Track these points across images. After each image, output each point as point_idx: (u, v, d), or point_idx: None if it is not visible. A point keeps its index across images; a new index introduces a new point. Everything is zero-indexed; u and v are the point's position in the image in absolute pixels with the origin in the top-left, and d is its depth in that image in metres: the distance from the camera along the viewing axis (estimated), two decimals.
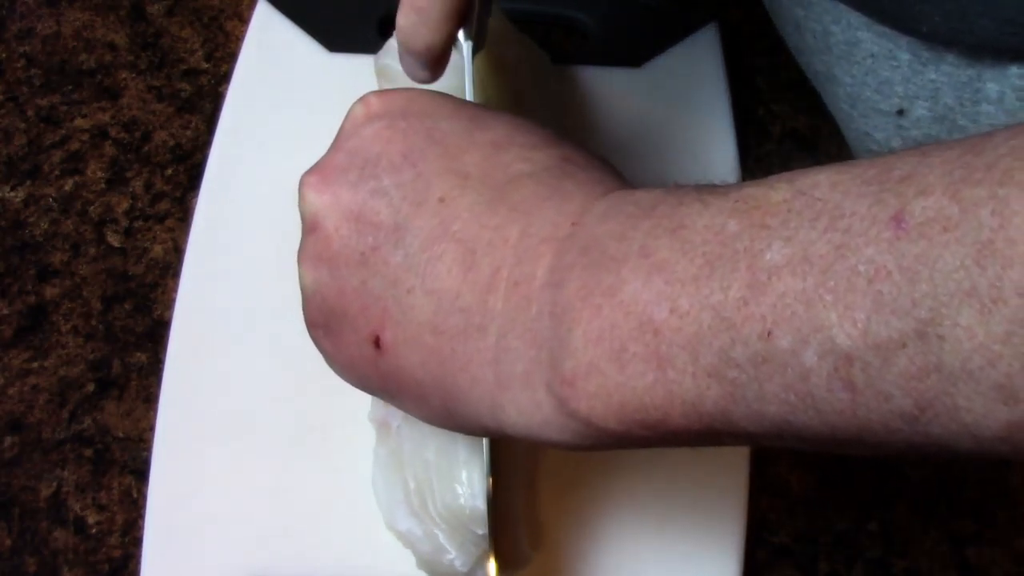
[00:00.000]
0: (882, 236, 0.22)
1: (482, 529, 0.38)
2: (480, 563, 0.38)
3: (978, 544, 0.45)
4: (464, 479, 0.38)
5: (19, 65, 0.56)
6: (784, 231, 0.24)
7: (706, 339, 0.24)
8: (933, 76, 0.39)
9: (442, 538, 0.39)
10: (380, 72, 0.48)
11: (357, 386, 0.34)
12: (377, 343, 0.31)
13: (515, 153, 0.31)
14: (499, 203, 0.30)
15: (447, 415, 0.31)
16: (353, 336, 0.32)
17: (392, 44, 0.47)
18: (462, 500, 0.38)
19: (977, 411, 0.21)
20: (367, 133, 0.32)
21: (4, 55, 0.56)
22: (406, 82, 0.37)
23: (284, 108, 0.52)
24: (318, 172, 0.33)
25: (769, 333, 0.23)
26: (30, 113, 0.54)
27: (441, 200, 0.30)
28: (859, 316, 0.22)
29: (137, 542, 0.44)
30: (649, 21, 0.55)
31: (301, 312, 0.47)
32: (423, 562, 0.40)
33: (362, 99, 0.33)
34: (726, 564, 0.43)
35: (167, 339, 0.47)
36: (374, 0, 0.55)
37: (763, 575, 0.45)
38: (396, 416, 0.41)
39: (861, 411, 0.22)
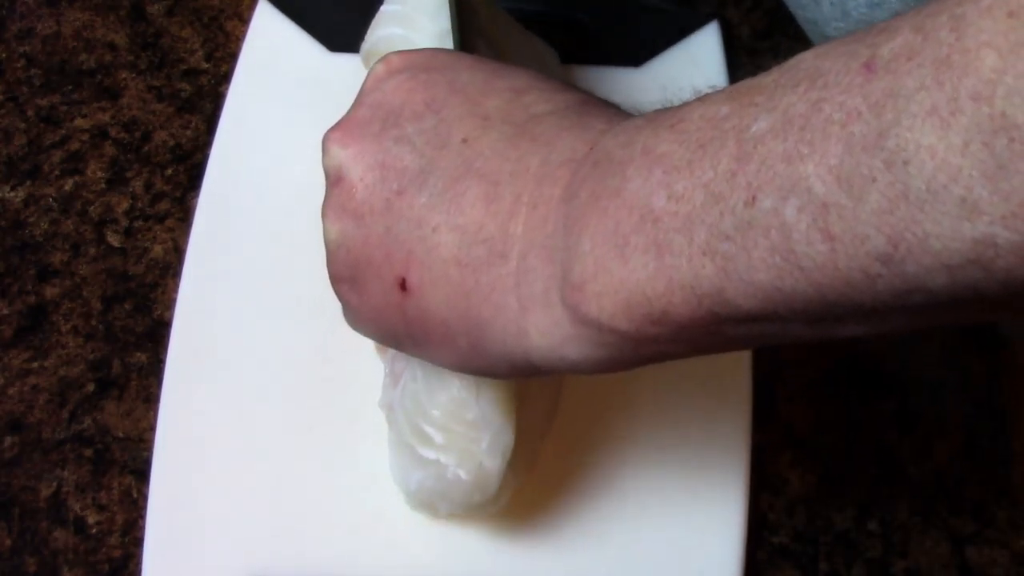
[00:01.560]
0: (854, 83, 0.22)
1: (471, 413, 0.38)
2: (482, 466, 0.38)
3: (978, 544, 0.45)
4: (451, 383, 0.38)
5: (19, 65, 0.56)
6: (769, 103, 0.24)
7: (699, 217, 0.25)
8: None
9: (442, 458, 0.39)
10: (368, 55, 0.47)
11: (383, 340, 0.35)
12: (403, 286, 0.31)
13: (536, 96, 0.32)
14: (520, 137, 0.31)
15: (474, 353, 0.31)
16: (379, 284, 0.32)
17: (377, 22, 0.47)
18: (448, 391, 0.38)
19: (944, 235, 0.21)
20: (389, 87, 0.33)
21: (4, 55, 0.56)
22: None
23: (285, 108, 0.52)
24: (341, 127, 0.33)
25: (753, 198, 0.24)
26: (30, 113, 0.54)
27: (464, 141, 0.31)
28: (833, 161, 0.22)
29: (137, 542, 0.44)
30: (649, 20, 0.55)
31: (303, 311, 0.48)
32: (444, 502, 0.40)
33: (383, 58, 0.34)
34: (727, 564, 0.43)
35: (168, 339, 0.47)
36: None
37: (763, 575, 0.45)
38: (396, 399, 0.41)
39: (841, 261, 0.23)
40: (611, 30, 0.55)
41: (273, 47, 0.54)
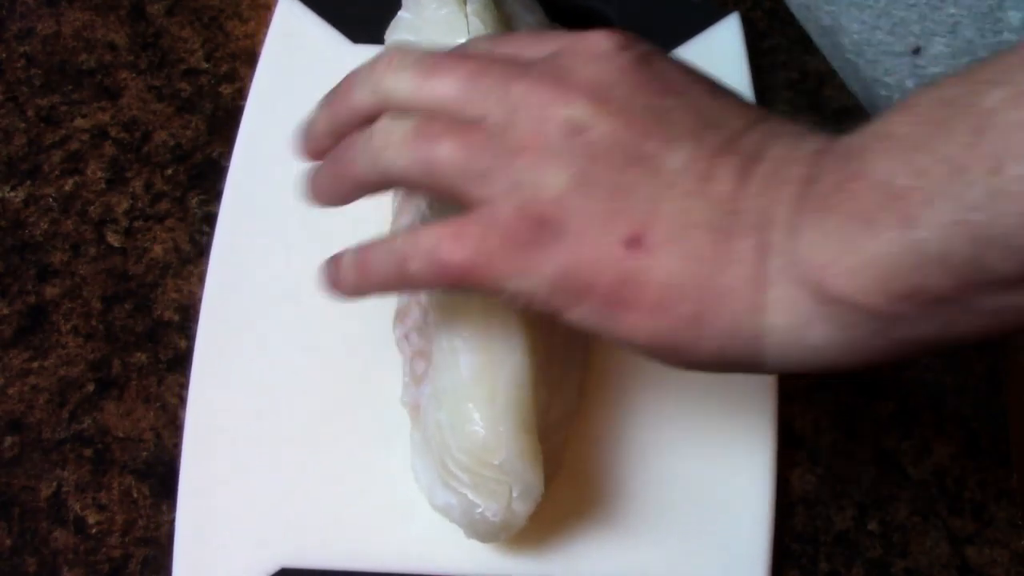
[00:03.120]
0: None
1: (498, 458, 0.38)
2: (510, 508, 0.39)
3: (978, 544, 0.45)
4: (474, 418, 0.39)
5: (19, 65, 0.56)
6: (1000, 79, 0.25)
7: (943, 190, 0.26)
8: (952, 10, 0.40)
9: (470, 495, 0.39)
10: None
11: (550, 295, 0.32)
12: (633, 242, 0.31)
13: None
14: (783, 135, 0.33)
15: (691, 324, 0.31)
16: (601, 236, 0.32)
17: (400, 18, 0.47)
18: (473, 437, 0.38)
19: None
20: (618, 61, 0.34)
21: (4, 55, 0.56)
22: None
23: (308, 99, 0.52)
24: (582, 87, 0.33)
25: (999, 167, 0.25)
26: (30, 113, 0.54)
27: (718, 125, 0.33)
28: None
29: (137, 542, 0.44)
30: (671, 12, 0.56)
31: (329, 304, 0.47)
32: (468, 530, 0.40)
33: (607, 35, 0.34)
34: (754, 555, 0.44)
35: (194, 332, 0.47)
36: None
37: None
38: (424, 396, 0.41)
39: None
40: (633, 21, 0.55)
41: (296, 38, 0.54)
